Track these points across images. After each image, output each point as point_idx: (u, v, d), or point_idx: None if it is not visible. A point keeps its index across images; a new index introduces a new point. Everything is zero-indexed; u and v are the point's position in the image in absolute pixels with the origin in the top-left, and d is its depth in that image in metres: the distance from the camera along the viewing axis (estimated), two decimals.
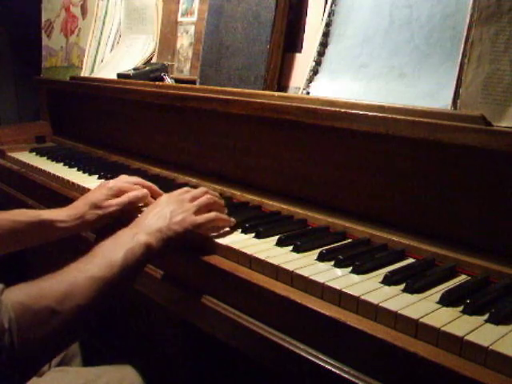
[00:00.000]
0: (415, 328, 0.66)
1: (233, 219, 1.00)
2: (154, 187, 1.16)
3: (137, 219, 0.93)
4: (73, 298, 0.72)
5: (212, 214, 0.96)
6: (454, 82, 0.89)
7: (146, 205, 1.11)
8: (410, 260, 0.87)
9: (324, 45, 1.16)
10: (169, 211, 0.92)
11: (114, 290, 0.80)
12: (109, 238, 0.86)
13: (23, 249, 1.17)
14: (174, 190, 1.03)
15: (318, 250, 0.87)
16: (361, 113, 0.93)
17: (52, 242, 1.09)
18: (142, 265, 0.87)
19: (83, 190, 1.28)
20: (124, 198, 1.10)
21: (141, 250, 0.84)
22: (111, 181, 1.14)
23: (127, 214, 1.07)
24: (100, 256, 0.80)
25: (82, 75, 1.88)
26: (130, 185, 1.13)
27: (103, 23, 1.91)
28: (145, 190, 1.13)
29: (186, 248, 0.95)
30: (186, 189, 1.02)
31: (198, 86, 1.38)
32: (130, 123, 1.61)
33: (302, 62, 1.21)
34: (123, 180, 1.14)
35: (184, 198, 0.97)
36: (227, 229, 0.99)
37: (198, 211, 0.95)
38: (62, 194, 1.34)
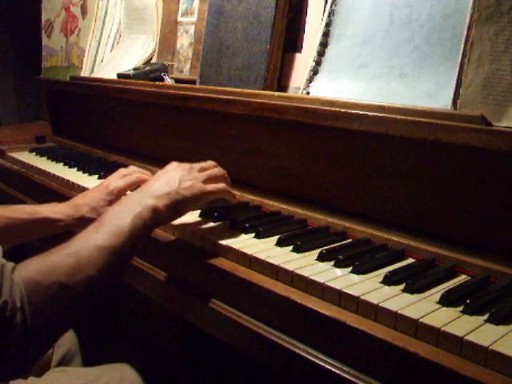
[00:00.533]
0: (415, 328, 0.66)
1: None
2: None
3: (144, 184, 0.93)
4: (83, 270, 0.71)
5: (221, 185, 0.97)
6: (454, 82, 0.89)
7: None
8: (410, 260, 0.87)
9: (324, 45, 1.16)
10: (178, 177, 0.92)
11: (123, 258, 0.79)
12: (116, 203, 0.86)
13: (23, 244, 1.17)
14: None
15: (318, 250, 0.87)
16: (361, 113, 0.93)
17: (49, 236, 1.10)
18: (150, 229, 0.86)
19: (83, 190, 1.27)
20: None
21: (148, 214, 0.83)
22: (112, 182, 1.14)
23: None
24: (108, 223, 0.79)
25: (82, 75, 1.88)
26: (130, 184, 1.13)
27: (103, 23, 1.91)
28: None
29: (186, 248, 0.95)
30: (197, 164, 1.02)
31: (197, 86, 1.38)
32: (130, 123, 1.61)
33: (302, 62, 1.21)
34: (121, 174, 1.13)
35: (193, 166, 0.98)
36: (226, 229, 0.99)
37: (207, 181, 0.95)
38: (62, 194, 1.34)
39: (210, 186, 0.95)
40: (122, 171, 1.15)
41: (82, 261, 0.72)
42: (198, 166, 0.98)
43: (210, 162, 1.02)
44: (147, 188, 0.90)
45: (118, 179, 1.12)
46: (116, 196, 1.10)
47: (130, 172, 1.14)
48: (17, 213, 1.06)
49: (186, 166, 0.97)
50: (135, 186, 1.17)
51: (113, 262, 0.76)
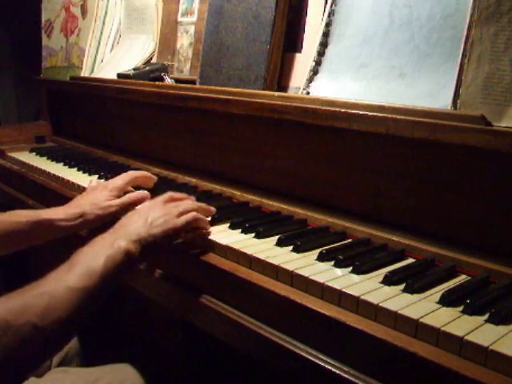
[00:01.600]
0: (415, 328, 0.66)
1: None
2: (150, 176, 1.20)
3: (117, 224, 0.91)
4: (54, 311, 0.71)
5: (189, 216, 0.94)
6: (454, 82, 0.89)
7: None
8: (410, 260, 0.87)
9: (324, 45, 1.16)
10: (150, 216, 0.90)
11: (94, 299, 0.79)
12: (88, 243, 0.85)
13: (28, 253, 1.18)
14: (174, 191, 1.04)
15: (318, 250, 0.87)
16: (361, 113, 0.93)
17: (52, 240, 1.09)
18: (123, 272, 0.85)
19: (83, 190, 1.27)
20: (125, 199, 1.11)
21: (121, 257, 0.82)
22: (110, 182, 1.15)
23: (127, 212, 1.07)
24: (80, 264, 0.79)
25: (82, 75, 1.88)
26: (129, 179, 1.14)
27: (103, 23, 1.91)
28: (146, 192, 1.13)
29: (186, 248, 0.95)
30: (169, 194, 1.01)
31: (198, 86, 1.38)
32: (130, 123, 1.61)
33: (302, 62, 1.21)
34: (125, 178, 1.14)
35: (167, 203, 0.96)
36: (226, 229, 0.99)
37: (181, 215, 0.93)
38: (62, 194, 1.34)
39: (181, 220, 0.92)
40: (121, 175, 1.16)
41: (54, 302, 0.72)
42: (173, 203, 0.96)
43: (183, 194, 1.02)
44: (120, 229, 0.89)
45: (117, 180, 1.14)
46: (116, 193, 1.11)
47: (132, 174, 1.16)
48: (19, 217, 1.06)
49: (160, 202, 0.96)
50: (133, 183, 1.18)
51: (83, 303, 0.76)
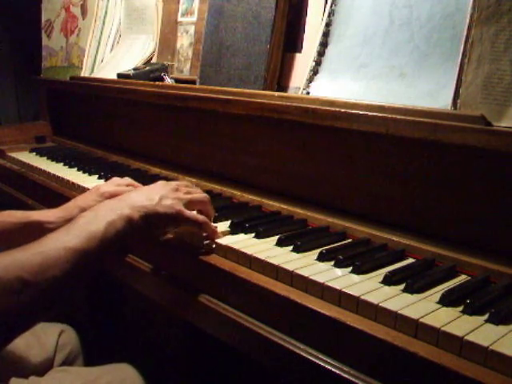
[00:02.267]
0: (415, 328, 0.66)
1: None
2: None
3: (125, 193, 0.92)
4: (48, 269, 0.71)
5: (201, 217, 0.93)
6: (454, 82, 0.89)
7: None
8: (410, 260, 0.87)
9: (324, 45, 1.16)
10: (160, 194, 0.90)
11: (92, 262, 0.78)
12: (91, 208, 0.85)
13: None
14: None
15: (318, 250, 0.87)
16: (361, 113, 0.93)
17: None
18: (123, 239, 0.84)
19: (83, 190, 1.27)
20: None
21: (122, 224, 0.82)
22: (102, 185, 1.14)
23: None
24: (80, 227, 0.78)
25: (82, 75, 1.88)
26: (122, 189, 1.13)
27: (103, 23, 1.91)
28: None
29: (186, 248, 0.95)
30: (185, 182, 1.01)
31: (197, 86, 1.38)
32: (130, 123, 1.61)
33: (302, 62, 1.21)
34: (115, 183, 1.13)
35: (180, 188, 0.95)
36: (226, 229, 0.99)
37: (190, 205, 0.93)
38: (62, 194, 1.34)
39: (189, 213, 0.91)
40: (115, 180, 1.15)
41: (49, 261, 0.71)
42: (185, 188, 0.96)
43: (199, 189, 1.01)
44: (126, 197, 0.88)
45: (109, 185, 1.12)
46: (106, 198, 1.10)
47: (123, 181, 1.15)
48: (8, 217, 1.06)
49: (173, 185, 0.95)
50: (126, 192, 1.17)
51: (80, 265, 0.75)
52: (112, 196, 1.11)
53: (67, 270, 0.73)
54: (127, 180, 1.15)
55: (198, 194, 0.96)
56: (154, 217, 0.86)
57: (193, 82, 1.44)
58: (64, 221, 1.06)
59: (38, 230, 1.05)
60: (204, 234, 0.94)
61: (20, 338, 0.72)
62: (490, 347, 0.60)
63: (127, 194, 0.91)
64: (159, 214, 0.87)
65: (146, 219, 0.85)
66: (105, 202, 0.87)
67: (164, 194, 0.90)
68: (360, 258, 0.83)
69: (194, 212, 0.93)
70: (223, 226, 1.01)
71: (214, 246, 0.93)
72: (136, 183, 1.15)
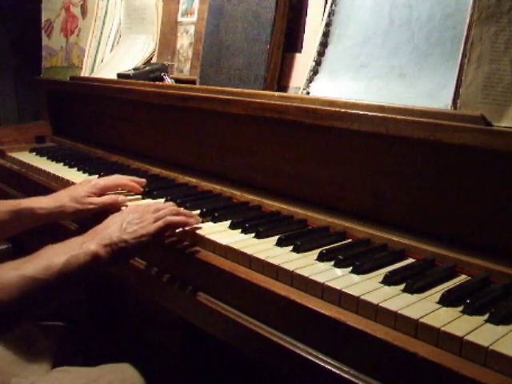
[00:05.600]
0: (415, 328, 0.66)
1: (194, 220, 0.98)
2: (137, 186, 1.20)
3: (94, 227, 0.92)
4: None
5: (161, 222, 0.92)
6: (454, 82, 0.89)
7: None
8: (410, 260, 0.87)
9: (324, 45, 1.16)
10: (126, 221, 0.90)
11: (47, 293, 0.78)
12: (61, 242, 0.86)
13: (23, 242, 1.19)
14: (174, 191, 1.04)
15: (318, 250, 0.87)
16: (361, 113, 0.93)
17: (31, 230, 1.10)
18: (86, 273, 0.85)
19: None
20: (104, 199, 1.12)
21: (86, 259, 0.82)
22: (96, 179, 1.16)
23: (107, 212, 1.08)
24: (41, 257, 0.80)
25: (82, 75, 1.88)
26: (111, 182, 1.14)
27: (103, 23, 1.91)
28: (122, 197, 1.14)
29: (186, 248, 0.95)
30: (155, 204, 1.00)
31: (197, 86, 1.38)
32: (130, 123, 1.61)
33: (302, 62, 1.21)
34: (105, 177, 1.16)
35: (147, 209, 0.95)
36: (226, 229, 0.99)
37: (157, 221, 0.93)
38: None
39: (154, 226, 0.91)
40: (109, 177, 1.18)
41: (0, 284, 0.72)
42: (152, 207, 0.96)
43: (168, 203, 1.02)
44: (94, 232, 0.90)
45: (101, 179, 1.16)
46: (98, 190, 1.12)
47: (115, 176, 1.17)
48: (0, 206, 1.07)
49: (140, 208, 0.96)
50: (118, 187, 1.19)
51: (33, 294, 0.75)
52: (103, 189, 1.13)
53: (15, 296, 0.73)
54: (124, 177, 1.17)
55: (163, 211, 0.95)
56: (122, 248, 0.87)
57: (193, 82, 1.44)
58: (55, 207, 1.08)
59: (30, 217, 1.07)
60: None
61: (20, 338, 0.73)
62: (490, 347, 0.60)
63: (96, 228, 0.91)
64: (126, 242, 0.87)
65: (113, 253, 0.86)
66: (74, 238, 0.88)
67: (129, 221, 0.91)
68: (360, 258, 0.83)
69: (155, 224, 0.92)
70: (223, 225, 1.01)
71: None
72: (135, 178, 1.16)
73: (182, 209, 1.02)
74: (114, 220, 0.92)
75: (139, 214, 0.93)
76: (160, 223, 0.92)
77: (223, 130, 1.26)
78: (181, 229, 0.97)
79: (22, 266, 0.77)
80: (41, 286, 0.76)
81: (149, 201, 1.18)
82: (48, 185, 1.44)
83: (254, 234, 0.96)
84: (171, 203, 1.03)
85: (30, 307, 0.78)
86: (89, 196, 1.10)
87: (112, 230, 0.88)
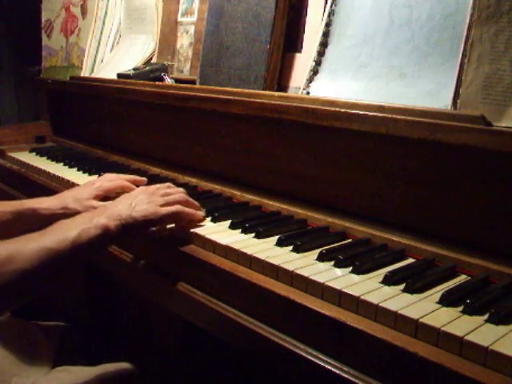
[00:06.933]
0: (415, 328, 0.66)
1: (202, 213, 1.01)
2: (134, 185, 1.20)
3: (105, 205, 0.97)
4: (16, 261, 0.76)
5: (173, 208, 0.96)
6: (454, 82, 0.89)
7: None
8: (410, 260, 0.87)
9: (324, 45, 1.16)
10: (135, 200, 0.94)
11: (62, 263, 0.83)
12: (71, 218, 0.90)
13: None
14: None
15: (318, 250, 0.87)
16: (361, 113, 0.93)
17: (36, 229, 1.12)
18: (97, 246, 0.89)
19: None
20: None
21: (97, 232, 0.86)
22: (98, 181, 1.16)
23: None
24: (55, 230, 0.84)
25: (82, 75, 1.88)
26: (116, 184, 1.15)
27: (103, 23, 1.91)
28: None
29: (186, 248, 0.95)
30: (166, 184, 1.04)
31: (197, 85, 1.38)
32: (130, 123, 1.61)
33: (302, 62, 1.21)
34: (107, 178, 1.16)
35: (157, 191, 0.98)
36: (226, 229, 0.99)
37: (166, 206, 0.96)
38: None
39: (165, 209, 0.94)
40: (108, 176, 1.18)
41: (19, 254, 0.77)
42: (162, 190, 0.99)
43: (178, 189, 1.03)
44: (104, 208, 0.93)
45: (104, 181, 1.15)
46: (101, 193, 1.12)
47: (116, 177, 1.18)
48: (2, 207, 1.08)
49: (150, 190, 0.99)
50: (120, 189, 1.19)
51: (49, 263, 0.80)
52: (106, 191, 1.13)
53: (35, 264, 0.78)
54: (119, 175, 1.17)
55: (173, 196, 0.99)
56: (130, 223, 0.91)
57: (193, 82, 1.44)
58: (58, 208, 1.08)
59: (33, 217, 1.08)
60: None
61: (21, 338, 0.74)
62: (490, 347, 0.60)
63: (105, 205, 0.96)
64: (135, 220, 0.91)
65: (123, 227, 0.90)
66: (84, 213, 0.93)
67: (139, 200, 0.94)
68: (360, 258, 0.83)
69: (168, 207, 0.95)
70: (223, 225, 1.01)
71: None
72: (137, 178, 1.17)
73: (188, 198, 1.02)
74: (124, 199, 0.96)
75: (148, 196, 0.96)
76: (172, 208, 0.95)
77: (223, 130, 1.26)
78: (183, 226, 0.98)
79: (38, 238, 0.81)
80: (57, 257, 0.81)
81: None
82: (48, 185, 1.44)
83: (253, 234, 0.96)
84: (181, 189, 1.04)
85: (47, 277, 0.83)
86: (92, 198, 1.10)
87: (122, 207, 0.92)
